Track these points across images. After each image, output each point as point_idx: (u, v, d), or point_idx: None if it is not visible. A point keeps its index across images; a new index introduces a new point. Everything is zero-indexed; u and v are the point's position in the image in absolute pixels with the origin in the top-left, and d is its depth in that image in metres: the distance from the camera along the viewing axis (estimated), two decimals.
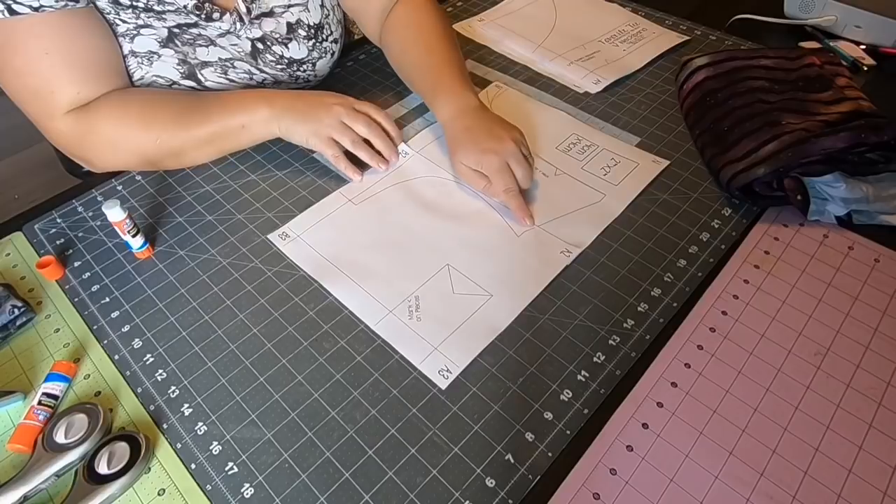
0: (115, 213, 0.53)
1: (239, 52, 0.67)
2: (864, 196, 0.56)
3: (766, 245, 0.57)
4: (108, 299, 0.54)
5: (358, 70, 0.80)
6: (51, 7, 0.54)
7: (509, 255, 0.56)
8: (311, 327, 0.52)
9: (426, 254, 0.57)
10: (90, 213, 0.62)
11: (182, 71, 0.64)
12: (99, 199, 0.64)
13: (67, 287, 0.56)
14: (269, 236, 0.59)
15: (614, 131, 0.69)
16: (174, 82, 0.64)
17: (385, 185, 0.63)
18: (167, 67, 0.63)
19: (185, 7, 0.61)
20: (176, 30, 0.62)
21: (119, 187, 0.65)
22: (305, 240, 0.58)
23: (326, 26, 0.72)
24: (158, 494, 0.43)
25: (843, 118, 0.58)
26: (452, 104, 0.64)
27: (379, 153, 0.64)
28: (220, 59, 0.66)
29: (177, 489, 0.43)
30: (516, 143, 0.60)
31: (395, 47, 0.72)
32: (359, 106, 0.63)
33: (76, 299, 0.55)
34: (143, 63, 0.62)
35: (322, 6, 0.71)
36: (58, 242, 0.59)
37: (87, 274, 0.57)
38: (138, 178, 0.66)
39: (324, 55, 0.73)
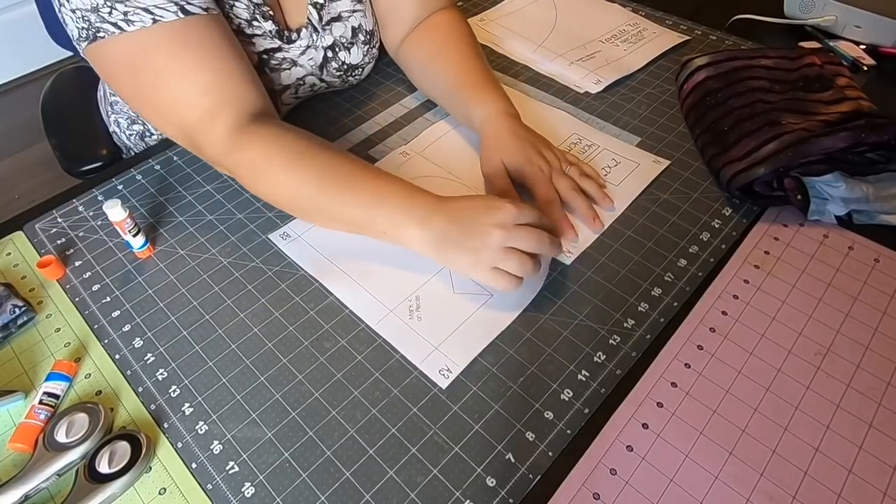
0: (115, 213, 0.53)
1: (312, 65, 0.68)
2: (863, 196, 0.56)
3: (766, 245, 0.57)
4: (108, 299, 0.55)
5: None
6: (216, 10, 0.54)
7: None
8: (311, 327, 0.52)
9: None
10: (91, 213, 0.62)
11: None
12: (100, 198, 0.64)
13: (68, 286, 0.56)
14: (269, 236, 0.59)
15: (615, 131, 0.69)
16: None
17: None
18: None
19: (269, 32, 0.62)
20: (265, 56, 0.63)
21: (120, 187, 0.65)
22: (306, 239, 0.59)
23: (375, 32, 0.73)
24: (159, 493, 0.43)
25: (844, 118, 0.58)
26: (495, 104, 0.63)
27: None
28: (296, 79, 0.68)
29: (177, 488, 0.43)
30: (560, 160, 0.61)
31: (429, 48, 0.70)
32: (522, 218, 0.51)
33: (77, 299, 0.55)
34: None
35: (373, 13, 0.72)
36: (58, 242, 0.60)
37: (88, 273, 0.57)
38: (139, 177, 0.66)
39: (371, 60, 0.75)
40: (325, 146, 0.56)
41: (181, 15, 0.51)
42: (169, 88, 0.53)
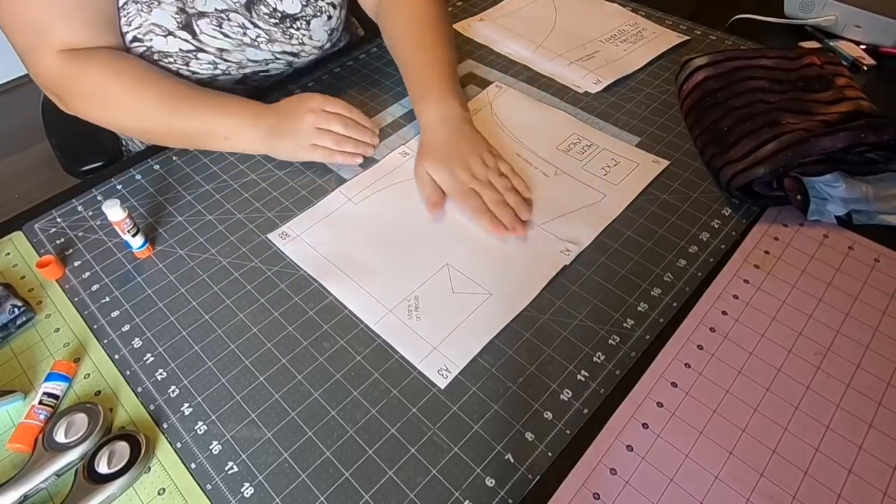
0: (115, 213, 0.53)
1: (234, 2, 0.67)
2: (863, 196, 0.56)
3: (766, 245, 0.57)
4: (108, 299, 0.54)
5: (358, 70, 0.80)
6: None
7: (509, 255, 0.56)
8: (310, 327, 0.52)
9: (426, 253, 0.57)
10: (90, 213, 0.62)
11: (179, 21, 0.65)
12: (99, 198, 0.64)
13: (67, 286, 0.56)
14: (268, 236, 0.59)
15: (614, 131, 0.69)
16: (170, 32, 0.65)
17: (385, 185, 0.63)
18: (165, 16, 0.64)
19: None
20: None
21: (119, 186, 0.65)
22: (305, 239, 0.59)
23: None
24: (158, 494, 0.43)
25: (843, 118, 0.58)
26: (436, 110, 0.65)
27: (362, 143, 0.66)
28: (216, 9, 0.67)
29: (177, 488, 0.43)
30: (487, 169, 0.61)
31: (388, 34, 0.74)
32: (329, 107, 0.64)
33: (76, 299, 0.55)
34: (142, 10, 0.63)
35: None
36: (58, 242, 0.59)
37: (87, 273, 0.57)
38: (138, 177, 0.66)
39: (318, 14, 0.72)
40: (158, 71, 0.64)
41: None
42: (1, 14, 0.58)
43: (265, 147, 0.64)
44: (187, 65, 0.68)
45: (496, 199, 0.58)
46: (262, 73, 0.75)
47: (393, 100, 0.75)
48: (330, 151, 0.63)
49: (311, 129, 0.63)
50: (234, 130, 0.63)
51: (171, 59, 0.67)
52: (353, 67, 0.80)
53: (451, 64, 0.68)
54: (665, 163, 0.65)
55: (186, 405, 0.47)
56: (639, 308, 0.52)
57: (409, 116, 0.72)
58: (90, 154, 0.82)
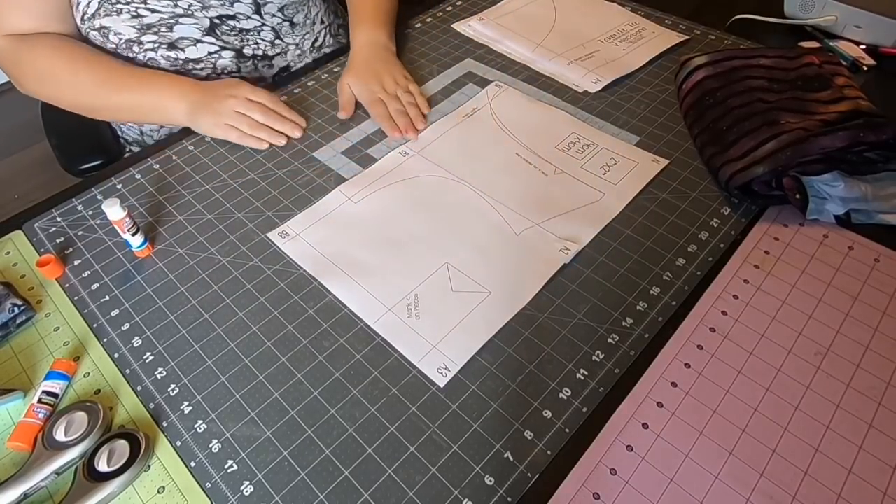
0: (114, 212, 0.53)
1: None
2: (862, 195, 0.56)
3: (766, 245, 0.57)
4: (107, 298, 0.54)
5: None
6: None
7: (508, 253, 0.56)
8: (310, 325, 0.52)
9: (425, 252, 0.57)
10: (90, 212, 0.62)
11: None
12: (98, 197, 0.64)
13: (67, 285, 0.56)
14: (268, 235, 0.59)
15: (613, 130, 0.69)
16: None
17: (384, 184, 0.64)
18: None
19: None
20: None
21: (119, 185, 0.65)
22: (305, 238, 0.59)
23: None
24: (158, 492, 0.43)
25: (842, 117, 0.58)
26: (367, 35, 0.77)
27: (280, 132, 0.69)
28: None
29: (176, 487, 0.43)
30: (397, 86, 0.72)
31: None
32: (253, 96, 0.68)
33: (76, 298, 0.55)
34: None
35: None
36: (57, 241, 0.60)
37: (87, 272, 0.57)
38: (138, 176, 0.66)
39: None
40: (100, 53, 0.70)
41: None
42: None
43: (189, 120, 0.68)
44: (145, 3, 0.69)
45: (397, 109, 0.69)
46: (230, 21, 0.74)
47: None
48: (242, 134, 0.67)
49: (231, 111, 0.66)
50: (162, 102, 0.67)
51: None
52: None
53: (390, 6, 0.81)
54: (664, 162, 0.65)
55: (186, 404, 0.47)
56: (638, 307, 0.52)
57: None
58: (90, 153, 0.82)
